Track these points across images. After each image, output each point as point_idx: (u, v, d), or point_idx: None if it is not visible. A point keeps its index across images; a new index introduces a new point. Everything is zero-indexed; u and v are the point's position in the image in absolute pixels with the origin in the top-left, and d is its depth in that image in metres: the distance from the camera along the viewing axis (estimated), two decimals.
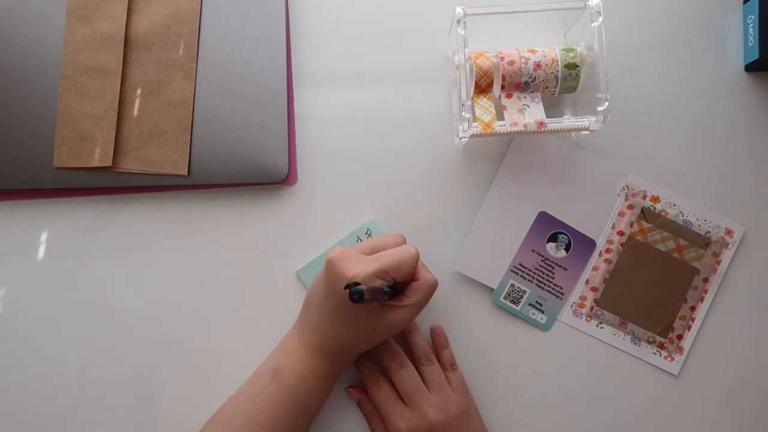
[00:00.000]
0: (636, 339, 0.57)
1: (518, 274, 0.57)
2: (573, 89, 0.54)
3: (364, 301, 0.41)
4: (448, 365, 0.55)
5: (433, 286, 0.50)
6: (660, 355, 0.57)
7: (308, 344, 0.51)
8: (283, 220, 0.57)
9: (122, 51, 0.55)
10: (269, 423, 0.49)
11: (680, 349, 0.57)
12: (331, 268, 0.47)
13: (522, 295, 0.57)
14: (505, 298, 0.57)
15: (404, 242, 0.52)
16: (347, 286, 0.42)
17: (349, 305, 0.47)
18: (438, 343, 0.56)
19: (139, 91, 0.55)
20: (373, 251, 0.49)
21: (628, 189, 0.57)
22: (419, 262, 0.50)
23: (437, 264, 0.57)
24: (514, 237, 0.57)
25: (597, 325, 0.57)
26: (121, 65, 0.55)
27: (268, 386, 0.50)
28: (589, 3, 0.51)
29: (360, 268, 0.46)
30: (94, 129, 0.54)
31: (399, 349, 0.54)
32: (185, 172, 0.55)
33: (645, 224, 0.57)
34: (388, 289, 0.47)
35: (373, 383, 0.53)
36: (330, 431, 0.56)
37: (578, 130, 0.53)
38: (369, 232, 0.57)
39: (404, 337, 0.55)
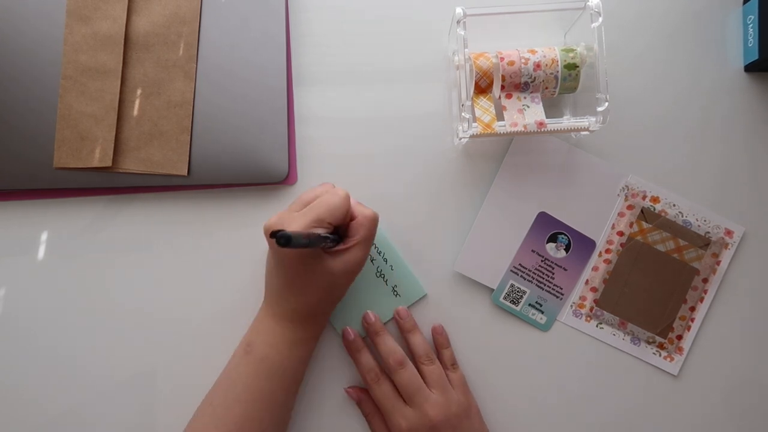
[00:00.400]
0: (636, 339, 0.57)
1: (518, 275, 0.57)
2: (573, 89, 0.54)
3: (294, 244, 0.39)
4: (449, 364, 0.55)
5: (372, 219, 0.50)
6: (660, 355, 0.57)
7: (275, 315, 0.51)
8: None
9: (122, 51, 0.55)
10: (245, 396, 0.49)
11: (680, 350, 0.57)
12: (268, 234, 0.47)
13: (522, 296, 0.57)
14: (504, 298, 0.57)
15: (344, 192, 0.50)
16: (272, 234, 0.39)
17: (298, 264, 0.47)
18: (439, 342, 0.56)
19: (139, 91, 0.55)
20: (304, 206, 0.49)
21: (627, 189, 0.57)
22: (354, 202, 0.51)
23: (437, 264, 0.57)
24: (513, 237, 0.57)
25: (597, 326, 0.57)
26: (121, 65, 0.55)
27: (241, 361, 0.51)
28: (589, 3, 0.51)
29: (295, 224, 0.46)
30: (94, 129, 0.54)
31: (399, 348, 0.54)
32: (185, 172, 0.55)
33: (645, 224, 0.57)
34: (329, 235, 0.47)
35: (373, 381, 0.53)
36: (331, 430, 0.56)
37: (578, 130, 0.53)
38: None
39: (404, 337, 0.55)
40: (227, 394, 0.50)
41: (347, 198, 0.49)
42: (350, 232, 0.50)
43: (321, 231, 0.47)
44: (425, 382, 0.53)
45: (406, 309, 0.56)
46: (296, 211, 0.48)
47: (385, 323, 0.56)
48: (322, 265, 0.48)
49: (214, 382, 0.52)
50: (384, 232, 0.57)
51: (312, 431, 0.55)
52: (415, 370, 0.53)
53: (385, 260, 0.56)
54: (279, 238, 0.39)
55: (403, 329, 0.55)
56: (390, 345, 0.54)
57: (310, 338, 0.52)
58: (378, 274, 0.56)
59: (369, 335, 0.55)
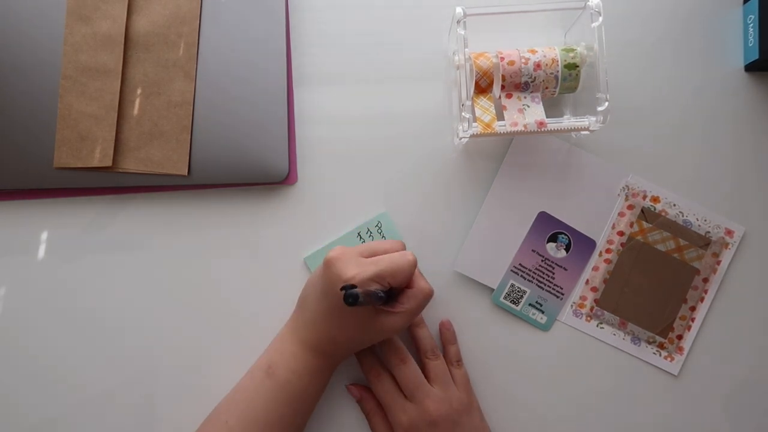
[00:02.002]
0: (636, 339, 0.57)
1: (518, 274, 0.57)
2: (573, 89, 0.54)
3: (359, 304, 0.41)
4: (454, 361, 0.55)
5: (428, 296, 0.50)
6: (660, 355, 0.57)
7: (302, 341, 0.51)
8: (283, 220, 0.57)
9: (122, 51, 0.55)
10: (264, 420, 0.49)
11: (680, 349, 0.57)
12: (329, 267, 0.48)
13: (522, 295, 0.57)
14: (505, 298, 0.57)
15: (404, 248, 0.52)
16: (343, 287, 0.42)
17: (343, 306, 0.47)
18: (446, 338, 0.56)
19: (139, 91, 0.55)
20: (371, 254, 0.49)
21: (628, 189, 0.57)
22: (416, 270, 0.50)
23: (437, 264, 0.57)
24: (514, 237, 0.57)
25: (597, 325, 0.57)
26: (121, 65, 0.55)
27: (263, 384, 0.50)
28: (589, 3, 0.51)
29: (357, 270, 0.46)
30: (95, 129, 0.54)
31: (401, 344, 0.54)
32: (185, 172, 0.55)
33: (645, 224, 0.57)
34: (383, 294, 0.47)
35: (374, 377, 0.53)
36: (330, 429, 0.56)
37: (578, 130, 0.53)
38: (380, 225, 0.57)
39: (411, 331, 0.55)
40: (246, 415, 0.50)
41: (414, 265, 0.49)
42: (402, 299, 0.49)
43: (376, 287, 0.47)
44: (428, 377, 0.53)
45: None
46: (363, 255, 0.49)
47: None
48: (365, 317, 0.48)
49: (225, 397, 0.52)
50: (394, 225, 0.57)
51: (312, 429, 0.55)
52: (417, 366, 0.53)
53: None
54: (347, 296, 0.40)
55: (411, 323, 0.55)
56: (391, 340, 0.54)
57: (329, 369, 0.52)
58: None
59: None
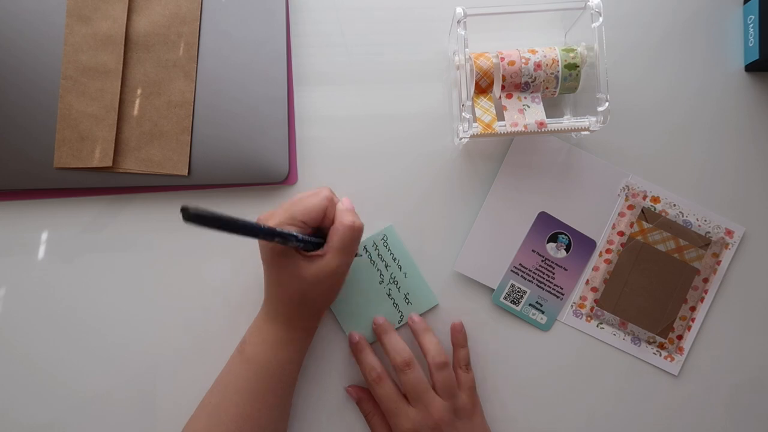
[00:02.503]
0: (636, 339, 0.57)
1: (518, 275, 0.57)
2: (573, 89, 0.54)
3: (197, 220, 0.36)
4: (462, 364, 0.55)
5: (348, 227, 0.47)
6: (660, 355, 0.57)
7: (266, 314, 0.51)
8: None
9: (122, 51, 0.55)
10: (240, 397, 0.49)
11: (680, 350, 0.57)
12: None
13: (522, 296, 0.57)
14: (505, 298, 0.57)
15: (328, 193, 0.49)
16: (183, 207, 0.36)
17: (274, 263, 0.48)
18: (456, 341, 0.56)
19: (139, 92, 0.55)
20: (292, 204, 0.48)
21: (628, 189, 0.57)
22: (343, 208, 0.49)
23: (437, 264, 0.57)
24: (514, 237, 0.57)
25: (597, 326, 0.57)
26: (121, 65, 0.55)
27: (235, 361, 0.51)
28: (590, 3, 0.51)
29: (273, 220, 0.46)
30: (95, 129, 0.54)
31: (407, 347, 0.53)
32: (185, 172, 0.55)
33: (645, 224, 0.57)
34: (298, 235, 0.46)
35: (374, 380, 0.53)
36: (329, 431, 0.56)
37: (578, 130, 0.53)
38: (385, 239, 0.56)
39: (417, 339, 0.55)
40: (223, 395, 0.50)
41: (325, 199, 0.48)
42: (327, 239, 0.48)
43: (295, 230, 0.46)
44: (434, 387, 0.53)
45: (417, 314, 0.56)
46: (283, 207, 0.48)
47: (396, 329, 0.56)
48: (294, 268, 0.48)
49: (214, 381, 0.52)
50: (399, 239, 0.57)
51: (312, 430, 0.55)
52: (422, 372, 0.53)
53: (400, 267, 0.56)
54: (184, 212, 0.36)
55: (416, 332, 0.55)
56: (397, 343, 0.53)
57: (297, 339, 0.51)
58: (391, 281, 0.56)
59: (377, 334, 0.55)
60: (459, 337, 0.56)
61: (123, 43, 0.55)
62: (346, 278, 0.51)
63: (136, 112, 0.55)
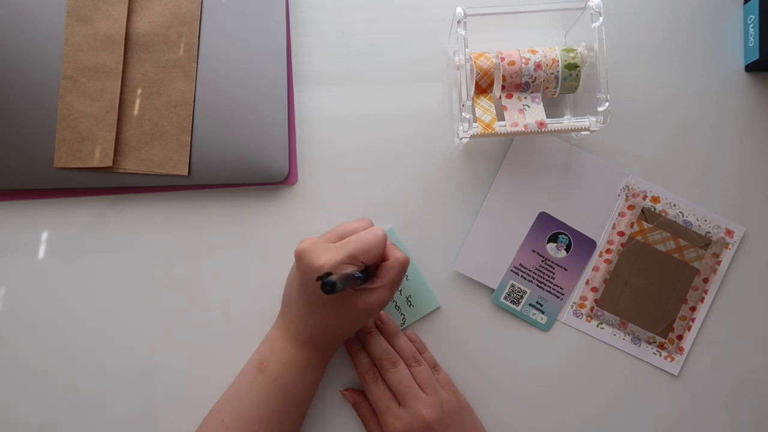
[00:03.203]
0: (636, 339, 0.57)
1: (518, 275, 0.57)
2: (573, 89, 0.54)
3: (337, 291, 0.40)
4: (430, 367, 0.55)
5: (403, 264, 0.49)
6: (660, 355, 0.57)
7: (290, 336, 0.51)
8: (283, 220, 0.57)
9: (122, 51, 0.55)
10: (258, 416, 0.50)
11: (680, 350, 0.57)
12: (299, 259, 0.48)
13: (522, 296, 0.57)
14: (505, 298, 0.57)
15: (371, 225, 0.51)
16: (319, 278, 0.41)
17: (322, 295, 0.47)
18: (417, 348, 0.56)
19: (139, 91, 0.55)
20: (339, 238, 0.49)
21: (628, 189, 0.57)
22: (388, 242, 0.50)
23: (437, 264, 0.57)
24: (514, 237, 0.57)
25: (597, 326, 0.57)
26: (121, 65, 0.55)
27: (255, 380, 0.51)
28: (590, 3, 0.51)
29: (328, 256, 0.46)
30: (95, 129, 0.54)
31: (391, 348, 0.54)
32: (185, 172, 0.55)
33: (645, 224, 0.57)
34: (359, 274, 0.47)
35: (371, 380, 0.53)
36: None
37: (579, 130, 0.53)
38: None
39: (388, 341, 0.55)
40: (240, 413, 0.50)
41: (384, 239, 0.49)
42: (380, 273, 0.49)
43: (351, 269, 0.47)
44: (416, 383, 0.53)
45: (387, 314, 0.56)
46: (330, 241, 0.49)
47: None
48: (347, 299, 0.48)
49: (220, 396, 0.52)
50: (401, 241, 0.57)
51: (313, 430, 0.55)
52: (407, 370, 0.53)
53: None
54: (324, 284, 0.40)
55: (386, 334, 0.55)
56: (384, 345, 0.54)
57: (324, 360, 0.52)
58: None
59: (360, 335, 0.55)
60: (417, 345, 0.56)
61: (123, 43, 0.55)
62: None
63: (136, 112, 0.55)
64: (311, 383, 0.52)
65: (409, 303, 0.56)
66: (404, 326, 0.56)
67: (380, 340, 0.54)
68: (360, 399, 0.55)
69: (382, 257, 0.50)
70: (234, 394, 0.51)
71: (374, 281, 0.49)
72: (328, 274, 0.41)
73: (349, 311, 0.49)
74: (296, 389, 0.51)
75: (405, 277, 0.56)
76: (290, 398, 0.51)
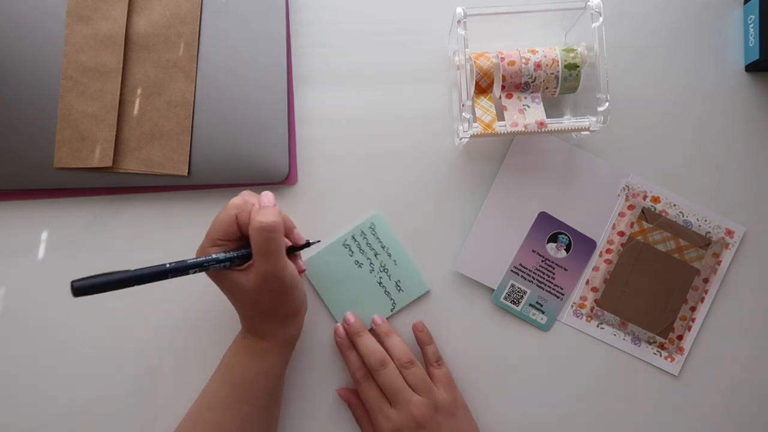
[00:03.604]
0: (636, 339, 0.57)
1: (518, 275, 0.57)
2: (573, 89, 0.54)
3: (86, 292, 0.39)
4: (433, 361, 0.55)
5: (256, 230, 0.45)
6: (660, 355, 0.57)
7: (241, 329, 0.52)
8: None
9: (123, 51, 0.55)
10: (213, 403, 0.50)
11: (680, 350, 0.57)
12: None
13: (522, 296, 0.57)
14: (505, 298, 0.57)
15: (236, 200, 0.48)
16: (71, 283, 0.40)
17: (220, 285, 0.48)
18: (421, 340, 0.56)
19: (139, 92, 0.55)
20: (210, 225, 0.48)
21: (628, 189, 0.57)
22: (255, 210, 0.46)
23: (437, 264, 0.57)
24: (514, 237, 0.57)
25: (597, 326, 0.57)
26: (121, 65, 0.55)
27: (215, 372, 0.52)
28: (590, 3, 0.51)
29: (198, 249, 0.47)
30: (95, 129, 0.54)
31: (380, 348, 0.54)
32: (185, 172, 0.55)
33: (645, 224, 0.57)
34: (218, 256, 0.46)
35: (363, 379, 0.53)
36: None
37: (579, 130, 0.53)
38: (373, 227, 0.57)
39: (381, 342, 0.55)
40: (202, 401, 0.51)
41: (232, 208, 0.47)
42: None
43: (215, 250, 0.46)
44: (408, 386, 0.53)
45: (380, 316, 0.56)
46: None
47: (387, 318, 0.56)
48: (233, 285, 0.47)
49: None
50: (388, 227, 0.57)
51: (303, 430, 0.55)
52: (397, 372, 0.53)
53: (389, 255, 0.56)
54: (72, 288, 0.39)
55: (379, 335, 0.55)
56: (370, 345, 0.53)
57: (270, 350, 0.51)
58: (381, 269, 0.56)
59: (350, 336, 0.55)
60: (422, 336, 0.56)
61: (123, 43, 0.55)
62: (294, 276, 0.48)
63: (136, 112, 0.55)
64: (261, 372, 0.50)
65: (398, 288, 0.56)
66: (394, 311, 0.56)
67: (367, 340, 0.54)
68: (355, 401, 0.55)
69: (244, 227, 0.47)
70: (201, 393, 0.52)
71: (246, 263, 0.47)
72: (80, 279, 0.40)
73: (243, 294, 0.48)
74: (243, 376, 0.50)
75: (382, 264, 0.56)
76: (239, 386, 0.50)
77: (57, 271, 0.56)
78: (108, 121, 0.54)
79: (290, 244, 0.51)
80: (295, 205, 0.57)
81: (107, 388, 0.56)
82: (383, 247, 0.57)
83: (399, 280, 0.56)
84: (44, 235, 0.56)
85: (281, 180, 0.56)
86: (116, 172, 0.55)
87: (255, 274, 0.46)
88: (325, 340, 0.57)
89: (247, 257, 0.47)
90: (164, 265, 0.44)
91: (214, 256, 0.46)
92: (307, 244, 0.52)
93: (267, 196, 0.48)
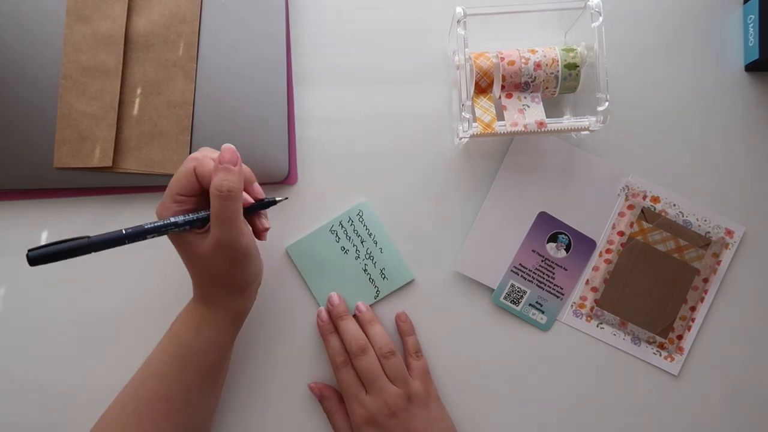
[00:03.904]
0: (636, 339, 0.57)
1: (518, 275, 0.57)
2: (573, 89, 0.54)
3: (42, 260, 0.38)
4: (412, 352, 0.55)
5: (214, 195, 0.43)
6: (660, 355, 0.57)
7: (193, 296, 0.50)
8: (283, 219, 0.57)
9: (122, 51, 0.55)
10: (158, 372, 0.49)
11: (680, 350, 0.57)
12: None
13: (522, 296, 0.57)
14: (505, 298, 0.57)
15: (195, 154, 0.47)
16: (27, 252, 0.38)
17: (177, 248, 0.47)
18: (403, 330, 0.56)
19: (139, 91, 0.55)
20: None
21: (628, 189, 0.57)
22: (215, 165, 0.44)
23: (437, 264, 0.57)
24: (514, 237, 0.57)
25: (597, 326, 0.57)
26: (121, 65, 0.55)
27: (163, 339, 0.50)
28: (590, 3, 0.51)
29: (159, 204, 0.46)
30: (95, 129, 0.54)
31: (362, 334, 0.54)
32: None
33: (645, 224, 0.57)
34: (176, 220, 0.44)
35: (341, 364, 0.53)
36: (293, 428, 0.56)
37: (578, 130, 0.53)
38: (361, 214, 0.57)
39: (364, 329, 0.55)
40: (147, 368, 0.50)
41: (190, 161, 0.45)
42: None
43: (176, 209, 0.45)
44: (385, 375, 0.53)
45: (365, 303, 0.56)
46: None
47: (371, 305, 0.56)
48: (190, 248, 0.46)
49: None
50: (375, 214, 0.57)
51: (273, 427, 0.55)
52: (376, 360, 0.53)
53: (375, 242, 0.56)
54: (27, 258, 0.38)
55: (362, 322, 0.55)
56: (353, 330, 0.53)
57: (221, 320, 0.49)
58: (367, 256, 0.56)
59: (333, 318, 0.55)
60: (404, 326, 0.56)
61: (123, 42, 0.55)
62: (249, 246, 0.46)
63: (135, 111, 0.55)
64: (210, 342, 0.49)
65: (383, 276, 0.56)
66: (378, 298, 0.56)
67: (351, 325, 0.54)
68: (328, 393, 0.55)
69: (204, 183, 0.45)
70: (148, 356, 0.51)
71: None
72: (35, 248, 0.39)
73: (198, 257, 0.46)
74: (194, 346, 0.49)
75: (367, 251, 0.56)
76: (186, 355, 0.49)
77: (57, 272, 0.56)
78: (108, 120, 0.54)
79: (251, 201, 0.47)
80: (294, 204, 0.57)
81: (107, 388, 0.56)
82: (370, 235, 0.57)
83: (384, 268, 0.57)
84: (44, 235, 0.56)
85: (281, 179, 0.56)
86: (116, 172, 0.55)
87: (209, 239, 0.45)
88: (307, 327, 0.57)
89: (208, 220, 0.45)
90: (120, 231, 0.43)
91: (172, 219, 0.44)
92: (272, 202, 0.49)
93: (228, 150, 0.44)
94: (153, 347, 0.52)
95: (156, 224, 0.44)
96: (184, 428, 0.49)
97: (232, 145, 0.45)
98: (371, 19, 0.58)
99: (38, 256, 0.38)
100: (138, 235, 0.43)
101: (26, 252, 0.38)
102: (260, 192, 0.49)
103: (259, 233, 0.50)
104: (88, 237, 0.41)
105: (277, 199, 0.50)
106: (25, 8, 0.54)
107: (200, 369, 0.49)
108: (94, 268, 0.56)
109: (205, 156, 0.46)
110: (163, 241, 0.57)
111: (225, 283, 0.48)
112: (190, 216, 0.45)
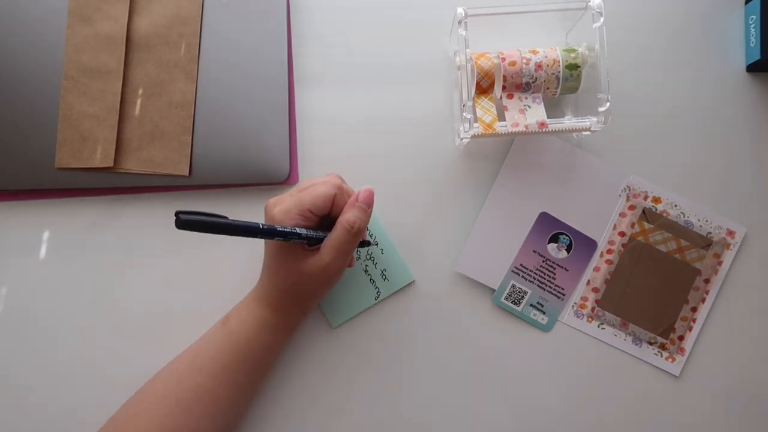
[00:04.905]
0: (637, 340, 0.57)
1: (519, 275, 0.57)
2: (574, 90, 0.54)
3: (191, 226, 0.37)
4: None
5: (346, 228, 0.46)
6: (661, 356, 0.57)
7: (257, 295, 0.51)
8: None
9: (124, 51, 0.55)
10: (209, 367, 0.49)
11: (681, 350, 0.57)
12: (265, 214, 0.48)
13: (523, 296, 0.57)
14: (506, 298, 0.57)
15: (337, 181, 0.49)
16: (177, 212, 0.37)
17: (274, 252, 0.47)
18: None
19: (140, 92, 0.55)
20: (301, 191, 0.48)
21: (629, 190, 0.57)
22: (351, 200, 0.47)
23: (438, 264, 0.57)
24: (515, 237, 0.57)
25: (598, 326, 0.57)
26: (122, 66, 0.55)
27: (215, 332, 0.51)
28: (591, 4, 0.51)
29: (281, 206, 0.46)
30: (96, 129, 0.54)
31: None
32: (186, 172, 0.55)
33: (646, 225, 0.57)
34: (301, 232, 0.46)
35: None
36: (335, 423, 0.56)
37: (579, 130, 0.53)
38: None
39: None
40: (193, 361, 0.50)
41: (334, 188, 0.47)
42: (330, 233, 0.48)
43: (301, 222, 0.46)
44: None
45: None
46: (292, 194, 0.48)
47: (372, 306, 0.56)
48: (294, 261, 0.48)
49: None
50: (377, 215, 0.57)
51: (320, 426, 0.55)
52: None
53: (376, 243, 0.56)
54: (176, 218, 0.37)
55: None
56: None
57: (281, 327, 0.51)
58: (368, 257, 0.56)
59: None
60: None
61: (124, 43, 0.55)
62: (341, 277, 0.50)
63: (137, 112, 0.55)
64: (266, 345, 0.51)
65: (384, 276, 0.56)
66: (378, 299, 0.56)
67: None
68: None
69: (339, 209, 0.48)
70: (195, 345, 0.51)
71: (324, 243, 0.48)
72: (188, 212, 0.38)
73: (298, 271, 0.48)
74: (250, 347, 0.50)
75: (368, 252, 0.56)
76: (242, 355, 0.50)
77: (58, 272, 0.56)
78: (109, 121, 0.54)
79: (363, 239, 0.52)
80: None
81: (109, 388, 0.56)
82: (370, 235, 0.57)
83: (384, 269, 0.57)
84: (46, 235, 0.56)
85: (282, 180, 0.56)
86: (117, 172, 0.55)
87: (317, 260, 0.47)
88: (306, 326, 0.57)
89: (319, 241, 0.48)
90: (257, 224, 0.43)
91: (298, 230, 0.46)
92: (368, 243, 0.55)
93: (368, 192, 0.48)
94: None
95: (285, 229, 0.45)
96: (224, 426, 0.50)
97: (373, 189, 0.49)
98: (372, 20, 0.58)
99: (187, 222, 0.37)
100: (268, 233, 0.44)
101: (175, 212, 0.37)
102: (365, 235, 0.53)
103: (351, 262, 0.53)
104: (228, 219, 0.41)
105: (370, 241, 0.56)
106: (27, 9, 0.55)
107: (253, 370, 0.51)
108: (94, 268, 0.56)
109: (343, 187, 0.48)
110: (163, 240, 0.57)
111: (304, 297, 0.50)
112: (311, 233, 0.47)
